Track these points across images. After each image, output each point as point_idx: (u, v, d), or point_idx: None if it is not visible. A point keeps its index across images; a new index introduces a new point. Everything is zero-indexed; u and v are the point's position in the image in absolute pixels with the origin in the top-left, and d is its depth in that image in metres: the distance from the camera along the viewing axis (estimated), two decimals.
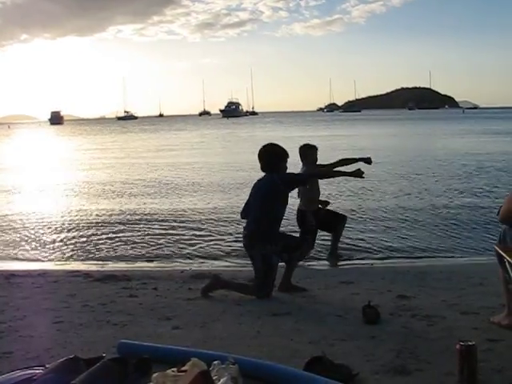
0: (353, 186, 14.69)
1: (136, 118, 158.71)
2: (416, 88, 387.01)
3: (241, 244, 8.61)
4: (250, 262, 7.63)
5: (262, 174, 5.58)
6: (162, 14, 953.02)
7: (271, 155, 5.56)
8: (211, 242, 8.94)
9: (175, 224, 10.51)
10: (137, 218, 11.33)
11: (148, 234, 9.70)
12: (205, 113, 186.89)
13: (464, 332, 4.09)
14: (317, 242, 8.56)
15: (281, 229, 5.66)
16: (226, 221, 10.55)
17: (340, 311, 4.78)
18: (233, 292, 5.49)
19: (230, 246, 8.59)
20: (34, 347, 4.04)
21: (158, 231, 9.94)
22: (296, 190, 6.74)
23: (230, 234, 9.36)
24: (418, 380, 3.36)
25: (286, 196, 5.52)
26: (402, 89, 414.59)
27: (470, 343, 3.26)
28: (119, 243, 9.08)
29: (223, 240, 9.05)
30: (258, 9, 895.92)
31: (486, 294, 5.19)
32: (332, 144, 29.45)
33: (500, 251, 4.12)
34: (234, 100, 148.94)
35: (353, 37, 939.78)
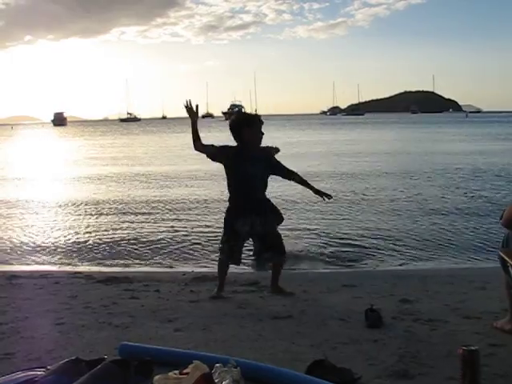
0: (351, 189, 14.72)
1: (139, 119, 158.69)
2: (419, 92, 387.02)
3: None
4: (252, 264, 7.70)
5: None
6: (165, 16, 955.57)
7: (232, 124, 5.44)
8: (213, 245, 8.92)
9: (177, 226, 10.51)
10: (139, 219, 11.34)
11: (150, 236, 9.70)
12: (208, 115, 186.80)
13: (466, 337, 4.08)
14: (318, 245, 8.61)
15: None
16: None
17: (342, 315, 4.76)
18: (236, 295, 5.51)
19: None
20: (36, 348, 4.04)
21: (160, 233, 9.94)
22: None
23: None
24: None
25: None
26: (406, 92, 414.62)
27: (472, 348, 3.24)
28: (121, 245, 9.08)
29: None
30: (261, 11, 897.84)
31: (489, 298, 5.17)
32: (329, 147, 29.47)
33: (503, 256, 4.11)
34: (237, 102, 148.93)
35: (356, 40, 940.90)
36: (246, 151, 5.34)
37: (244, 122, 5.40)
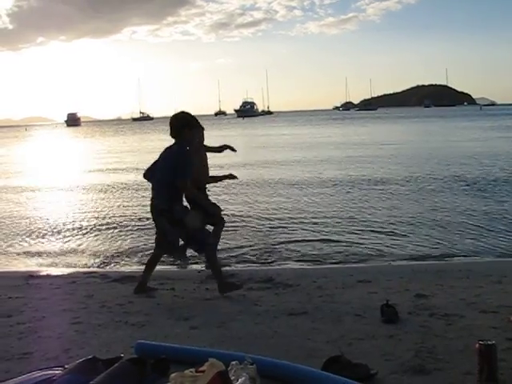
0: (362, 187, 14.67)
1: (152, 118, 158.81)
2: (432, 85, 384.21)
3: (259, 244, 8.65)
4: (266, 261, 7.70)
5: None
6: (176, 15, 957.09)
7: (175, 120, 5.63)
8: (228, 242, 8.92)
9: None
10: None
11: None
12: (220, 113, 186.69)
13: (483, 331, 4.05)
14: (332, 240, 8.57)
15: None
16: (242, 221, 10.54)
17: (358, 310, 4.76)
18: (251, 292, 5.51)
19: (246, 245, 8.57)
20: (53, 348, 4.07)
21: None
22: None
23: (247, 234, 9.36)
24: (437, 379, 3.33)
25: None
26: (418, 86, 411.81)
27: (489, 342, 3.22)
28: (136, 243, 9.10)
29: (240, 240, 9.04)
30: (272, 8, 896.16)
31: (505, 292, 5.14)
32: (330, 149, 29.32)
33: None
34: (249, 100, 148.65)
35: (368, 35, 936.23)
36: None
37: (186, 123, 5.61)
